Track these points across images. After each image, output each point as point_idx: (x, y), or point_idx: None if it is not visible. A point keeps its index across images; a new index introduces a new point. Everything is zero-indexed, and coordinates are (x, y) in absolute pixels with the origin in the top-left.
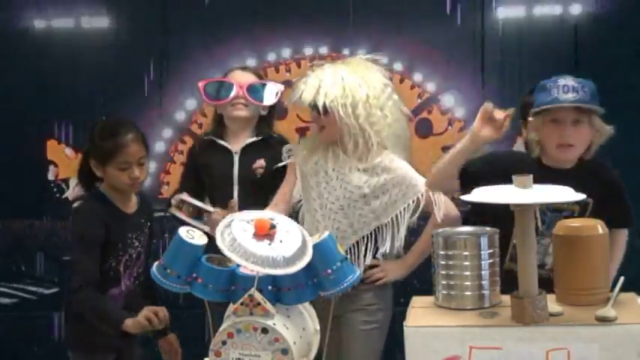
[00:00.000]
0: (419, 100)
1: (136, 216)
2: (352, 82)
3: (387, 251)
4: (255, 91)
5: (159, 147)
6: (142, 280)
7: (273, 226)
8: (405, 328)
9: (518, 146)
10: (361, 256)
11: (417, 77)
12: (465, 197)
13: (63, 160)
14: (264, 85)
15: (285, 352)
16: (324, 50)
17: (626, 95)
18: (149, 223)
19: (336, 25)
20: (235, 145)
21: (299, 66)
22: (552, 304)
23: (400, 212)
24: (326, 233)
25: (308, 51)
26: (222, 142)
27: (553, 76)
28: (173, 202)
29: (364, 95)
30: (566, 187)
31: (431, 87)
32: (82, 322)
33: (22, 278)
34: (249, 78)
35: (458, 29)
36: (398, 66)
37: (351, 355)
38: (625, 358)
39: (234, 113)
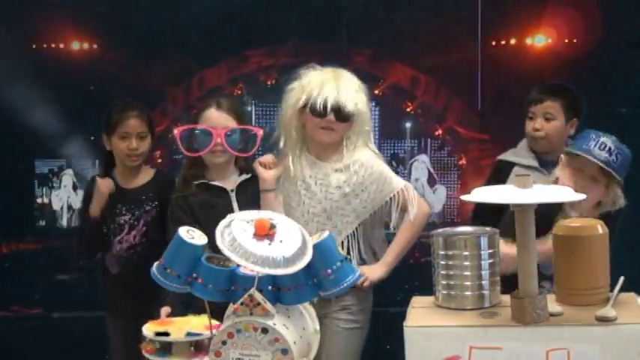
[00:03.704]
0: None
1: (135, 191)
2: (358, 88)
3: (367, 250)
4: (233, 139)
5: None
6: (140, 251)
7: (273, 226)
8: (405, 328)
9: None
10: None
11: None
12: (465, 197)
13: None
14: (241, 130)
15: (285, 352)
16: None
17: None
18: (156, 202)
19: None
20: (227, 183)
21: None
22: (552, 304)
23: (378, 209)
24: (326, 233)
25: None
26: (216, 183)
27: (601, 131)
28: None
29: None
30: (566, 187)
31: None
32: (102, 283)
33: None
34: (225, 121)
35: None
36: None
37: (333, 352)
38: (625, 358)
39: (214, 161)
